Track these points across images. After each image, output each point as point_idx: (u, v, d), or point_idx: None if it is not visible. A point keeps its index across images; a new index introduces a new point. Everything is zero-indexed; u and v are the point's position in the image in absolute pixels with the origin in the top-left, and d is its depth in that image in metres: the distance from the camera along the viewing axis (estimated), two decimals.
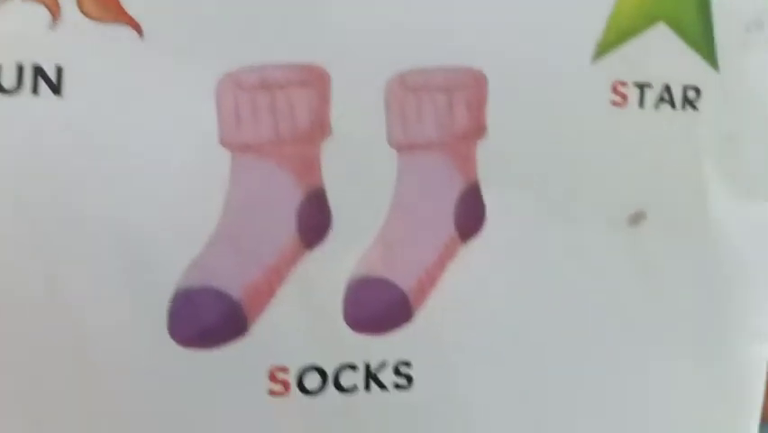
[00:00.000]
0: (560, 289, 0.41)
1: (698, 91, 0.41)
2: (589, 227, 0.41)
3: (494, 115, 0.39)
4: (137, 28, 0.34)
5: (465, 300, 0.40)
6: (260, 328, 0.37)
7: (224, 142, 0.36)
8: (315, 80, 0.37)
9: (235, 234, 0.36)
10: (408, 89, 0.38)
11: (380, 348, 0.38)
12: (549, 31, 0.39)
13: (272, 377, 0.37)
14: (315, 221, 0.38)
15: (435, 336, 0.39)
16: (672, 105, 0.41)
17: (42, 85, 0.34)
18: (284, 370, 0.37)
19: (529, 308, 0.40)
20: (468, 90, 0.39)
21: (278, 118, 0.37)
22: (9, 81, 0.34)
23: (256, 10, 0.36)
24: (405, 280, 0.39)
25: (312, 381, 0.37)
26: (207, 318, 0.36)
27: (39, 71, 0.34)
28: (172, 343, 0.36)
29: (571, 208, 0.41)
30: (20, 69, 0.34)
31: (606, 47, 0.40)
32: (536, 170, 0.40)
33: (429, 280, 0.39)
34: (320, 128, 0.37)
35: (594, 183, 0.40)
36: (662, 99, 0.41)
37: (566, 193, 0.41)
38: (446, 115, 0.39)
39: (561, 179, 0.40)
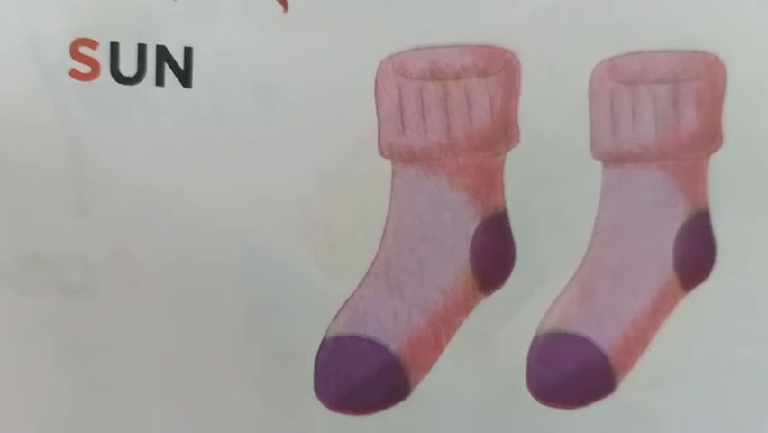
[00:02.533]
0: None
1: None
2: None
3: (733, 117, 0.38)
4: (282, 0, 0.36)
5: (685, 367, 0.39)
6: (424, 391, 0.37)
7: (384, 149, 0.36)
8: (500, 68, 0.36)
9: (395, 269, 0.36)
10: (620, 80, 0.37)
11: (573, 425, 0.38)
12: None
13: None
14: (493, 255, 0.37)
15: (644, 413, 0.38)
16: None
17: (168, 71, 0.34)
18: None
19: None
20: (699, 82, 0.37)
21: (452, 118, 0.36)
22: (129, 67, 0.35)
23: None
24: (606, 336, 0.38)
25: None
26: (359, 374, 0.36)
27: (163, 53, 0.34)
28: (317, 403, 0.36)
29: None
30: (141, 52, 0.34)
31: None
32: None
33: (638, 339, 0.38)
34: (504, 132, 0.36)
35: None
36: None
37: None
38: (670, 116, 0.37)
39: None
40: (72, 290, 0.36)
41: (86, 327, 0.36)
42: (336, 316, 0.36)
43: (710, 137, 0.38)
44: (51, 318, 0.36)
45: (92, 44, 0.35)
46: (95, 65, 0.35)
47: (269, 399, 0.37)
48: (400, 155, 0.36)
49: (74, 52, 0.34)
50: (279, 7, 0.35)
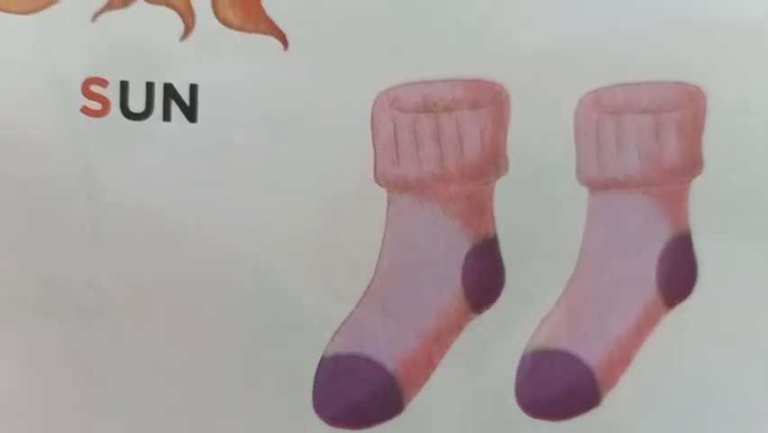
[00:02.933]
0: None
1: None
2: None
3: (714, 145, 0.40)
4: (282, 38, 0.37)
5: (668, 382, 0.41)
6: (417, 407, 0.39)
7: (379, 178, 0.38)
8: (490, 100, 0.38)
9: (390, 292, 0.39)
10: (605, 111, 0.39)
11: None
12: None
13: None
14: (483, 277, 0.39)
15: (628, 427, 0.41)
16: None
17: (174, 107, 0.38)
18: None
19: (753, 391, 0.41)
20: (681, 112, 0.40)
21: (444, 149, 0.39)
22: (138, 104, 0.38)
23: (419, 15, 0.38)
24: (592, 353, 0.40)
25: None
26: (356, 392, 0.39)
27: (170, 91, 0.37)
28: (316, 418, 0.39)
29: None
30: (149, 90, 0.38)
31: None
32: (764, 217, 0.40)
33: (622, 356, 0.41)
34: (494, 162, 0.39)
35: None
36: None
37: None
38: (653, 145, 0.40)
39: None
40: (87, 315, 0.39)
41: (101, 351, 0.39)
42: (334, 336, 0.39)
43: (691, 164, 0.40)
44: (68, 343, 0.39)
45: (102, 83, 0.38)
46: (105, 102, 0.38)
47: (272, 416, 0.39)
48: (395, 184, 0.39)
49: (85, 90, 0.38)
50: (280, 45, 0.38)
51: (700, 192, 0.40)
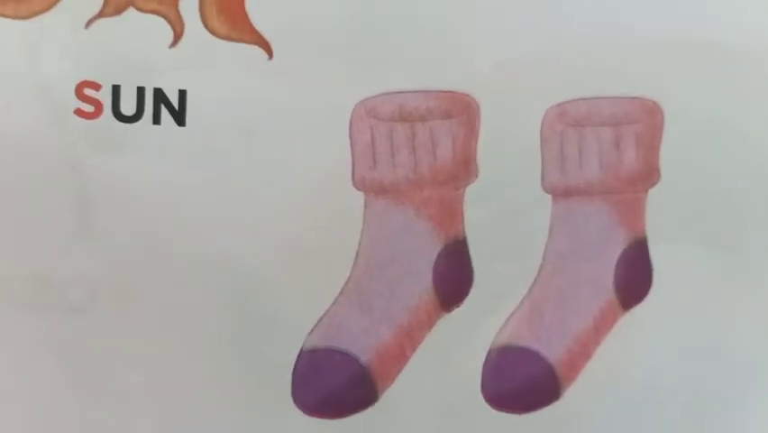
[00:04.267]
0: (742, 361, 0.44)
1: None
2: None
3: (670, 156, 0.43)
4: (267, 48, 0.39)
5: (624, 378, 0.43)
6: (391, 398, 0.41)
7: (357, 182, 0.40)
8: (462, 111, 0.41)
9: (366, 289, 0.41)
10: (569, 123, 0.42)
11: (522, 430, 0.43)
12: (740, 55, 0.41)
13: None
14: (453, 277, 0.42)
15: (586, 419, 0.43)
16: None
17: (164, 112, 0.39)
18: None
19: (703, 387, 0.44)
20: (639, 125, 0.42)
21: (418, 155, 0.41)
22: (129, 107, 0.40)
23: (395, 30, 0.40)
24: (553, 350, 0.43)
25: None
26: (333, 383, 0.41)
27: (160, 96, 0.39)
28: (295, 409, 0.41)
29: (753, 269, 0.44)
30: (140, 94, 0.39)
31: None
32: (715, 224, 0.43)
33: (581, 352, 0.43)
34: (465, 168, 0.42)
35: None
36: None
37: (751, 252, 0.44)
38: (613, 155, 0.42)
39: (745, 236, 0.44)
40: (75, 309, 0.41)
41: (87, 344, 0.41)
42: (312, 330, 0.41)
43: (649, 174, 0.43)
44: (55, 336, 0.41)
45: (95, 86, 0.39)
46: (98, 105, 0.40)
47: (252, 406, 0.41)
48: (372, 188, 0.41)
49: (79, 93, 0.39)
50: (265, 55, 0.40)
51: (657, 200, 0.43)
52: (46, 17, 0.39)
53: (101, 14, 0.39)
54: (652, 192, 0.43)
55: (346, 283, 0.41)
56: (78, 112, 0.39)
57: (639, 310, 0.43)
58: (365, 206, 0.41)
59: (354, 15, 0.39)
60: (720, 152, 0.43)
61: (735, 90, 0.42)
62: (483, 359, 0.42)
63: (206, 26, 0.39)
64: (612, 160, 0.43)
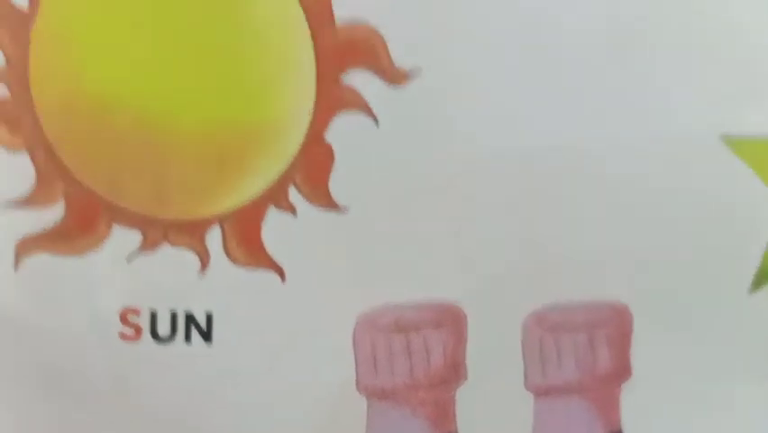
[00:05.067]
0: None
1: None
2: None
3: (640, 353, 0.47)
4: (280, 272, 0.46)
5: None
6: None
7: (361, 388, 0.46)
8: (451, 321, 0.46)
9: None
10: (546, 329, 0.47)
11: None
12: (704, 261, 0.47)
13: None
14: None
15: None
16: None
17: (194, 332, 0.46)
18: None
19: None
20: (610, 327, 0.47)
21: (414, 362, 0.47)
22: (164, 329, 0.47)
23: (390, 249, 0.46)
24: None
25: None
26: None
27: (191, 319, 0.46)
28: None
29: None
30: (173, 317, 0.46)
31: (765, 278, 0.48)
32: (689, 418, 0.48)
33: None
34: (455, 371, 0.47)
35: None
36: None
37: None
38: (588, 357, 0.47)
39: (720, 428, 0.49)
40: None
41: None
42: None
43: (621, 371, 0.48)
44: None
45: (136, 312, 0.46)
46: (138, 329, 0.46)
47: None
48: (374, 393, 0.46)
49: (123, 319, 0.46)
50: (278, 278, 0.46)
51: (631, 394, 0.48)
52: (94, 253, 0.46)
53: (141, 250, 0.45)
54: (625, 386, 0.48)
55: None
56: (122, 336, 0.45)
57: None
58: (368, 407, 0.46)
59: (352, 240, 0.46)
60: (684, 347, 0.48)
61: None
62: None
63: (229, 256, 0.46)
64: (587, 361, 0.47)
